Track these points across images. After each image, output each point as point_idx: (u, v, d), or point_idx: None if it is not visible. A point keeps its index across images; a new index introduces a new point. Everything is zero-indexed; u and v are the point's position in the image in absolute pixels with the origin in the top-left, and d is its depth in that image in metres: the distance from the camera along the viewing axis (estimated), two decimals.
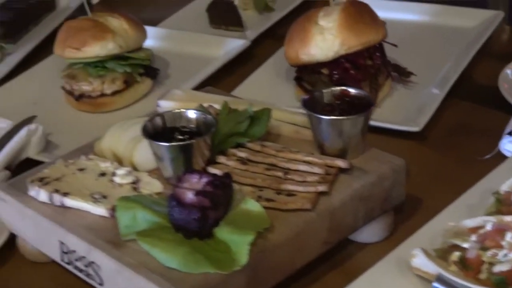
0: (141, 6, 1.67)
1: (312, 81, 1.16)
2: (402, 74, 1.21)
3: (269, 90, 1.24)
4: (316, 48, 1.11)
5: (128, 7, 1.67)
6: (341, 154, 0.87)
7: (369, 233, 0.88)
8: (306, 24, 1.14)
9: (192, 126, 0.88)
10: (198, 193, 0.75)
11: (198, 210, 0.74)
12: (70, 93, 1.22)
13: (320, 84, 1.13)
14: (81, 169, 0.89)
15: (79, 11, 1.59)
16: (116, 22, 1.21)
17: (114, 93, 1.20)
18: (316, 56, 1.12)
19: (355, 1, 1.16)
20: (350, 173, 0.85)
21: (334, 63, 1.12)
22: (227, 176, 0.79)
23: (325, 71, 1.14)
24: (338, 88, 0.92)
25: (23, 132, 1.07)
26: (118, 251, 0.75)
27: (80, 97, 1.20)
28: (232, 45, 1.37)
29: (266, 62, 1.30)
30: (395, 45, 1.19)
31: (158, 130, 0.87)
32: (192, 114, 0.88)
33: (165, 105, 1.02)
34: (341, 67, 1.13)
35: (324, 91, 0.92)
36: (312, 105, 0.89)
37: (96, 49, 1.17)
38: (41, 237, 0.85)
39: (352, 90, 0.91)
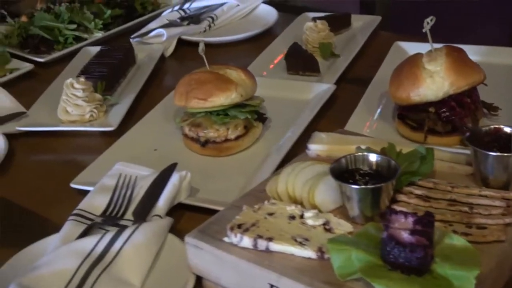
0: (213, 56, 1.59)
1: (419, 119, 1.12)
2: (490, 109, 1.18)
3: (370, 128, 1.19)
4: (427, 90, 1.09)
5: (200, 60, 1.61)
6: (505, 186, 0.84)
7: None
8: (414, 69, 1.11)
9: (371, 168, 0.83)
10: (413, 232, 0.71)
11: (420, 248, 0.69)
12: (194, 139, 1.15)
13: (428, 121, 1.11)
14: (270, 214, 0.83)
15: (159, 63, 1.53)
16: (235, 74, 1.16)
17: (237, 137, 1.14)
18: (427, 96, 1.09)
19: (453, 47, 1.14)
20: None
21: (441, 102, 1.10)
22: (430, 214, 0.74)
23: (432, 109, 1.10)
24: (493, 126, 0.88)
25: (175, 179, 1.00)
26: None
27: (205, 143, 1.13)
28: (318, 88, 1.32)
29: (360, 103, 1.25)
30: (485, 84, 1.15)
31: (341, 171, 0.82)
32: (373, 157, 0.83)
33: (315, 148, 0.96)
34: (448, 105, 1.10)
35: (483, 128, 0.88)
36: (474, 141, 0.85)
37: (221, 99, 1.12)
38: (246, 282, 0.78)
39: (505, 128, 0.87)
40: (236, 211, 0.84)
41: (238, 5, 1.78)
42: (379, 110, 1.25)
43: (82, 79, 1.30)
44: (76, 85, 1.29)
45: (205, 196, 1.03)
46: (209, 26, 1.70)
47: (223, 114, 1.14)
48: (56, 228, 1.00)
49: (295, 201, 0.86)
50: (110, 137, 1.26)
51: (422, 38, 1.53)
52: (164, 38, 1.61)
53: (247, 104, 1.16)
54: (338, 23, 1.62)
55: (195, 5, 1.78)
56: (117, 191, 1.01)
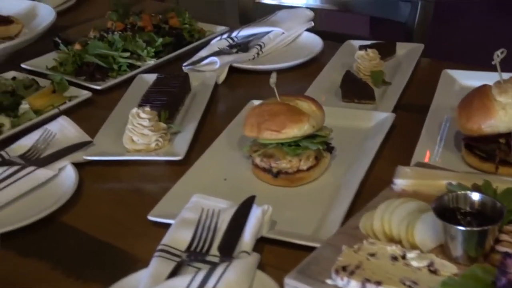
0: (262, 83, 1.54)
1: (488, 149, 1.07)
2: None
3: (435, 158, 1.12)
4: (499, 122, 1.03)
5: (251, 87, 1.56)
6: None
7: None
8: (485, 101, 1.06)
9: (473, 207, 0.77)
10: None
11: None
12: (266, 170, 1.09)
13: (499, 152, 1.05)
14: (371, 254, 0.77)
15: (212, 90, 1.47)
16: (306, 105, 1.10)
17: (309, 168, 1.08)
18: (499, 128, 1.04)
19: None
20: None
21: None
22: None
23: (502, 140, 1.05)
24: None
25: (258, 212, 0.94)
26: None
27: (278, 173, 1.07)
28: (378, 117, 1.27)
29: (423, 133, 1.19)
30: None
31: (443, 210, 0.77)
32: (475, 196, 0.77)
33: (401, 183, 0.90)
34: None
35: None
36: None
37: (294, 131, 1.07)
38: None
39: None
40: (333, 250, 0.79)
41: (283, 33, 1.71)
42: (441, 139, 1.19)
43: (147, 108, 1.24)
44: (142, 115, 1.23)
45: (283, 228, 0.97)
46: (258, 53, 1.65)
47: (294, 145, 1.08)
48: (136, 262, 0.95)
49: (392, 239, 0.80)
50: (176, 165, 1.20)
51: (467, 66, 1.51)
52: (217, 66, 1.55)
53: (317, 135, 1.10)
54: (384, 51, 1.56)
55: (242, 33, 1.72)
56: (200, 226, 0.95)
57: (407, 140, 1.19)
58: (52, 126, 1.30)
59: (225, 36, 1.71)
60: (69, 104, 1.45)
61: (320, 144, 1.09)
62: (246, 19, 2.14)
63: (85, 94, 1.49)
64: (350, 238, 0.81)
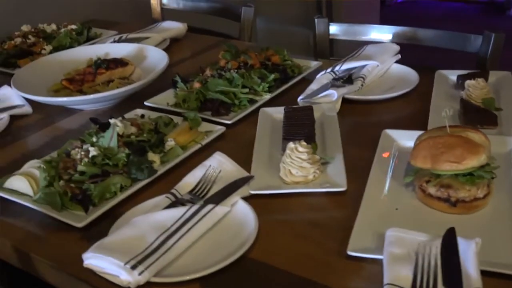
0: (366, 113, 1.46)
1: None
2: None
3: None
4: None
5: (358, 115, 1.46)
6: None
7: None
8: None
9: None
10: None
11: None
12: (442, 199, 1.00)
13: None
14: None
15: None
16: (477, 136, 1.01)
17: (485, 196, 0.99)
18: None
19: None
20: None
21: None
22: None
23: None
24: None
25: (472, 247, 0.84)
26: None
27: (456, 202, 0.97)
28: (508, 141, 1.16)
29: None
30: None
31: None
32: None
33: None
34: None
35: None
36: None
37: (474, 162, 0.98)
38: None
39: None
40: None
41: (378, 65, 1.62)
42: None
43: (303, 142, 1.14)
44: (300, 149, 1.13)
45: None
46: (362, 85, 1.55)
47: (468, 175, 0.98)
48: None
49: None
50: (336, 195, 1.10)
51: None
52: (335, 98, 1.45)
53: (487, 164, 1.00)
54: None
55: (343, 67, 1.62)
56: (420, 261, 0.84)
57: None
58: (213, 162, 1.18)
59: (329, 70, 1.62)
60: (208, 139, 1.34)
61: (492, 173, 0.99)
62: (322, 54, 2.05)
63: (220, 128, 1.38)
64: None
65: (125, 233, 0.96)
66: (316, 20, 2.02)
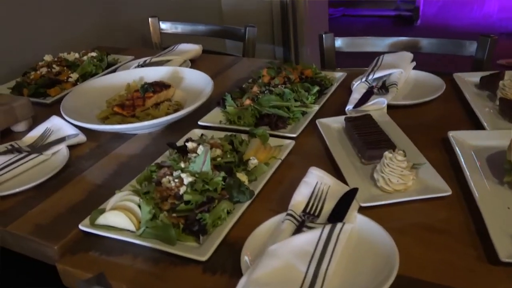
0: (405, 117, 1.31)
1: None
2: None
3: None
4: None
5: (401, 119, 1.31)
6: None
7: None
8: None
9: None
10: None
11: None
12: None
13: None
14: None
15: None
16: None
17: None
18: None
19: None
20: None
21: None
22: None
23: None
24: None
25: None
26: None
27: None
28: None
29: None
30: None
31: None
32: None
33: None
34: None
35: None
36: None
37: None
38: None
39: None
40: None
41: (402, 72, 1.48)
42: None
43: (401, 151, 0.98)
44: (399, 158, 0.97)
45: None
46: (396, 91, 1.40)
47: None
48: None
49: None
50: (441, 199, 0.94)
51: None
52: (385, 104, 1.30)
53: None
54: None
55: (375, 76, 1.47)
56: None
57: None
58: (314, 179, 0.99)
59: (363, 79, 1.46)
60: (284, 153, 1.14)
61: None
62: (329, 65, 1.89)
63: (290, 142, 1.19)
64: None
65: (271, 264, 0.75)
66: (323, 35, 1.86)
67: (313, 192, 0.95)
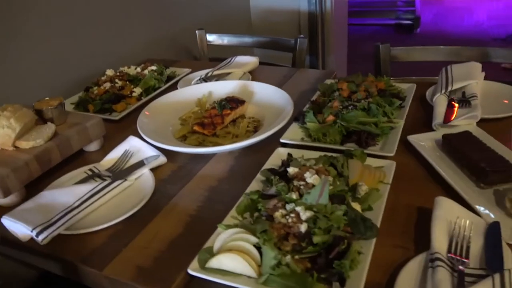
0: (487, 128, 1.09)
1: None
2: None
3: None
4: None
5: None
6: None
7: None
8: None
9: None
10: None
11: None
12: None
13: None
14: None
15: None
16: None
17: None
18: None
19: None
20: None
21: None
22: None
23: None
24: None
25: None
26: None
27: None
28: None
29: None
30: None
31: None
32: None
33: None
34: None
35: None
36: None
37: None
38: None
39: None
40: None
41: (477, 82, 1.26)
42: None
43: None
44: None
45: None
46: (478, 103, 1.18)
47: None
48: None
49: None
50: None
51: None
52: (478, 119, 1.09)
53: None
54: None
55: (454, 87, 1.24)
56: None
57: None
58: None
59: (442, 92, 1.24)
60: (389, 176, 0.92)
61: None
62: (385, 74, 1.66)
63: (391, 163, 0.97)
64: None
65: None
66: (380, 46, 1.63)
67: (453, 229, 0.74)
